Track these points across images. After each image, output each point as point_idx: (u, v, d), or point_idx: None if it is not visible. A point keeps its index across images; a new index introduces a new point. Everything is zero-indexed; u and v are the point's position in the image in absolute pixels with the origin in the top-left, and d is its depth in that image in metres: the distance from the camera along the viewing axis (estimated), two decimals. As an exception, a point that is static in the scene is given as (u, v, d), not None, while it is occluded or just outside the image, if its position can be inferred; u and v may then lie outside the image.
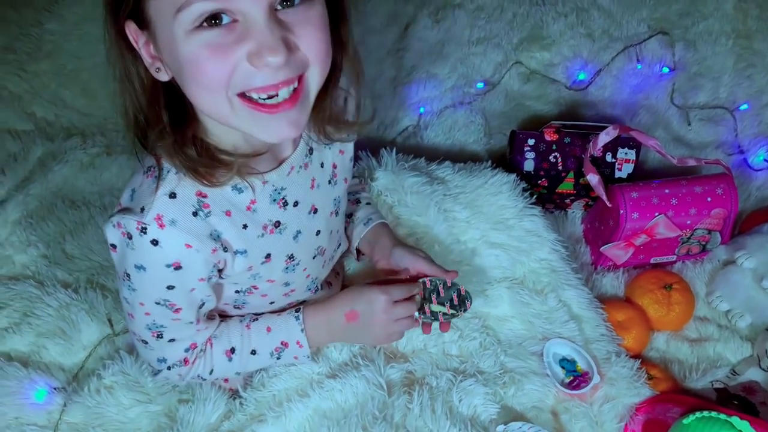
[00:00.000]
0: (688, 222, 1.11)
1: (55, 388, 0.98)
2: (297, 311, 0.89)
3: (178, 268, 0.73)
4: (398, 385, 0.94)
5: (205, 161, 0.70)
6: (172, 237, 0.70)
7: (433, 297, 0.91)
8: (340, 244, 0.94)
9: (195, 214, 0.72)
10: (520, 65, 1.42)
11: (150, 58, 0.66)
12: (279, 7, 0.62)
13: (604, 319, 1.06)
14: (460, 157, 1.28)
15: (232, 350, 0.88)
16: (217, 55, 0.61)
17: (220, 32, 0.60)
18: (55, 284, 1.08)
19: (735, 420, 0.86)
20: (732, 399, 1.02)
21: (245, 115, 0.65)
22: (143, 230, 0.70)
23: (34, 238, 1.16)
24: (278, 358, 0.90)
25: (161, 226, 0.70)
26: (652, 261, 1.18)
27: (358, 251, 1.00)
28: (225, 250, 0.75)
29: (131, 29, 0.65)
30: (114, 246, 0.74)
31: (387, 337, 0.91)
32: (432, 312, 0.91)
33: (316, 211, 0.83)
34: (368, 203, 1.03)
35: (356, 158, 1.12)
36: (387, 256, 0.94)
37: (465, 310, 0.91)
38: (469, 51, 1.44)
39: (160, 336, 0.81)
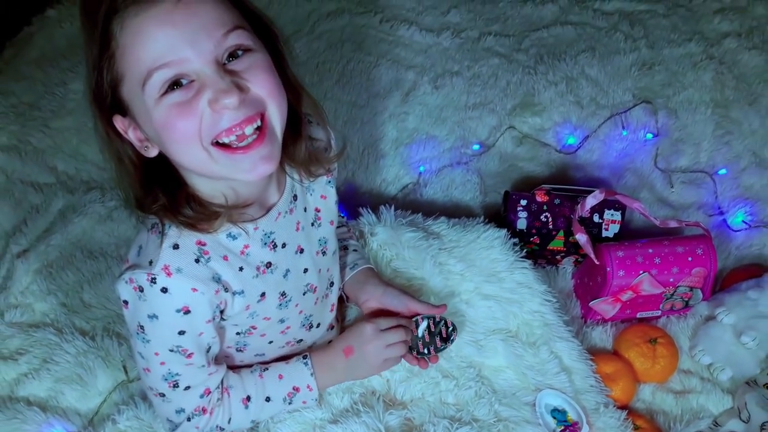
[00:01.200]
0: (671, 280, 1.18)
1: (71, 432, 1.03)
2: (305, 358, 0.96)
3: (187, 312, 0.80)
4: (397, 431, 0.99)
5: (200, 216, 0.78)
6: (180, 283, 0.78)
7: (426, 334, 1.00)
8: (333, 283, 1.00)
9: (197, 260, 0.79)
10: (514, 129, 1.50)
11: (138, 141, 0.75)
12: (225, 62, 0.71)
13: (593, 371, 1.10)
14: (457, 214, 1.34)
15: (248, 398, 0.93)
16: (183, 110, 0.70)
17: (182, 92, 0.70)
18: (73, 332, 1.13)
19: (714, 469, 0.91)
20: (714, 449, 1.07)
21: (224, 161, 0.73)
22: (153, 280, 0.77)
23: (53, 287, 1.20)
24: (290, 403, 0.95)
25: (169, 274, 0.77)
26: (638, 316, 1.23)
27: (346, 295, 1.07)
28: (226, 290, 0.82)
29: (119, 122, 0.74)
30: (126, 302, 0.81)
31: (382, 364, 0.97)
32: (426, 348, 1.00)
33: (302, 251, 0.90)
34: (355, 250, 1.09)
35: (357, 214, 1.19)
36: (378, 297, 1.01)
37: (452, 341, 1.01)
38: (465, 115, 1.52)
39: (176, 385, 0.86)
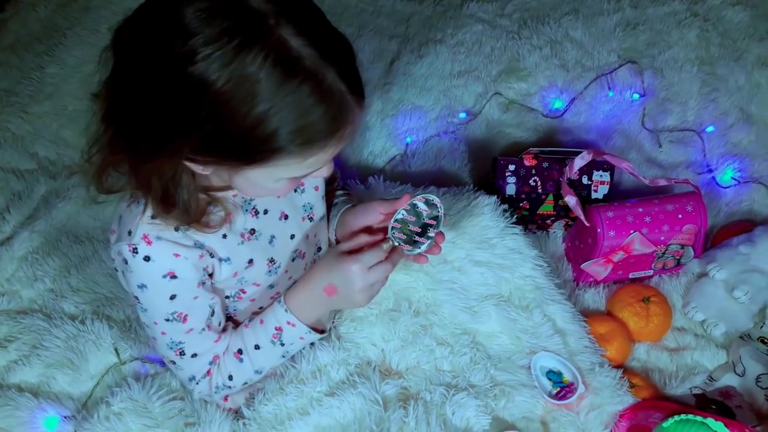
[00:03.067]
0: (662, 238, 1.17)
1: (65, 417, 1.02)
2: (279, 298, 0.93)
3: (173, 277, 0.80)
4: (394, 401, 0.99)
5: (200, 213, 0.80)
6: (161, 250, 0.79)
7: (411, 227, 0.90)
8: (320, 248, 1.00)
9: (176, 229, 0.80)
10: (499, 96, 1.49)
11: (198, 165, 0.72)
12: None
13: (587, 332, 1.11)
14: (446, 183, 1.33)
15: (240, 351, 0.93)
16: (293, 184, 0.79)
17: None
18: (62, 317, 1.12)
19: (710, 421, 0.92)
20: (710, 404, 1.07)
21: None
22: (135, 251, 0.78)
23: (40, 273, 1.19)
24: (283, 344, 0.93)
25: (149, 243, 0.78)
26: (630, 276, 1.24)
27: (338, 241, 1.02)
28: (211, 256, 0.83)
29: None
30: (123, 273, 0.82)
31: (367, 300, 0.90)
32: (425, 236, 0.89)
33: (287, 217, 0.91)
34: (346, 202, 1.04)
35: (345, 187, 1.18)
36: (351, 220, 0.95)
37: (440, 208, 0.90)
38: (451, 83, 1.50)
39: (182, 353, 0.88)
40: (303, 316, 0.92)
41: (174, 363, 0.90)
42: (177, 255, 0.79)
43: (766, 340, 1.13)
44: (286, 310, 0.91)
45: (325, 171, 0.77)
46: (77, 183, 1.34)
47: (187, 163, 0.72)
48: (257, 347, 0.93)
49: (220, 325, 0.90)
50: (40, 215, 1.28)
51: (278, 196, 0.87)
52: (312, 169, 0.74)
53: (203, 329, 0.87)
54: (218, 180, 0.79)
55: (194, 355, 0.89)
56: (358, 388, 0.98)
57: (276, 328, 0.93)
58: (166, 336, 0.86)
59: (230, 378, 0.93)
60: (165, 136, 0.68)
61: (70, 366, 1.07)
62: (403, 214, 0.90)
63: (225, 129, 0.66)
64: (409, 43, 1.56)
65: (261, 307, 0.95)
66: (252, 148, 0.68)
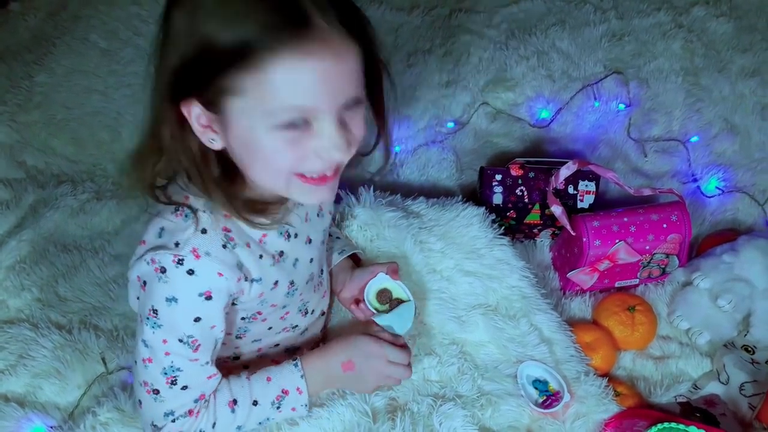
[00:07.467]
0: (647, 247, 1.19)
1: (51, 427, 1.01)
2: (294, 360, 0.92)
3: (208, 297, 0.79)
4: (382, 412, 0.98)
5: (257, 210, 0.80)
6: (207, 266, 0.78)
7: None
8: (323, 270, 1.01)
9: (224, 246, 0.79)
10: (487, 105, 1.50)
11: (201, 128, 0.73)
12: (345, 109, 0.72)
13: (573, 341, 1.11)
14: (434, 193, 1.35)
15: (234, 401, 0.89)
16: (294, 148, 0.71)
17: (299, 132, 0.71)
18: (49, 326, 1.12)
19: (694, 429, 0.93)
20: (694, 412, 1.08)
21: (297, 188, 0.76)
22: (180, 262, 0.77)
23: (27, 282, 1.19)
24: (278, 408, 0.91)
25: (197, 257, 0.77)
26: (616, 285, 1.25)
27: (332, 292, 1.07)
28: (246, 278, 0.82)
29: (188, 107, 0.71)
30: (144, 283, 0.80)
31: (375, 387, 0.97)
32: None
33: (310, 241, 0.91)
34: (338, 237, 1.10)
35: (337, 198, 1.19)
36: (348, 284, 1.02)
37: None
38: (439, 93, 1.51)
39: (173, 382, 0.83)
40: (311, 387, 0.92)
41: (157, 392, 0.83)
42: (221, 274, 0.78)
43: (749, 349, 1.14)
44: (301, 376, 0.91)
45: (336, 143, 0.71)
46: (65, 192, 1.34)
47: (198, 128, 0.72)
48: (255, 403, 0.89)
49: (214, 360, 0.87)
50: (27, 224, 1.27)
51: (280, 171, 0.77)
52: (316, 139, 0.71)
53: (207, 362, 0.84)
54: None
55: (184, 388, 0.83)
56: (347, 399, 0.98)
57: (283, 391, 0.91)
58: (168, 358, 0.81)
59: (213, 426, 0.87)
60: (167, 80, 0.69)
61: (57, 376, 1.06)
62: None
63: (202, 47, 0.67)
64: (397, 53, 1.57)
65: (270, 327, 0.94)
66: (227, 54, 0.67)
